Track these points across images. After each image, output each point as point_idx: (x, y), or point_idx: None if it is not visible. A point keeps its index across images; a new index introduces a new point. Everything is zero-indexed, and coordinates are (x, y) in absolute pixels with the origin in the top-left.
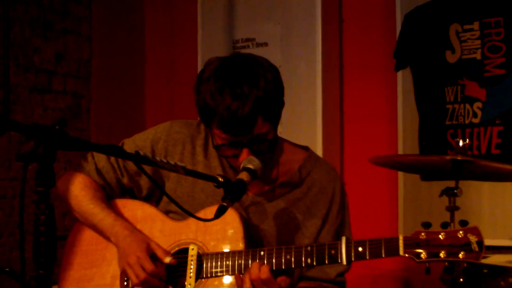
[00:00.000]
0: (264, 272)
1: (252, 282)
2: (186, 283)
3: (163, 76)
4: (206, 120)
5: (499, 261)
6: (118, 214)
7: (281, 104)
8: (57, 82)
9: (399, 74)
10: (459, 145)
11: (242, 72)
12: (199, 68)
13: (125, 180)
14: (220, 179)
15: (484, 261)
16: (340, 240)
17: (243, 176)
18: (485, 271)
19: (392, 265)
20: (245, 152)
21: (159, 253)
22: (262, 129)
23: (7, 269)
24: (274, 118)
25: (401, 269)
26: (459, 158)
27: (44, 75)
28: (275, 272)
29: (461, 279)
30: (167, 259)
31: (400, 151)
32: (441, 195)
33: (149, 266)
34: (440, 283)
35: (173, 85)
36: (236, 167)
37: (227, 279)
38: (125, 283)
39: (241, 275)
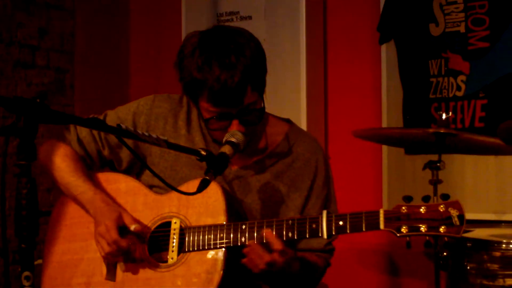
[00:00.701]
0: (278, 244)
1: (267, 264)
2: (168, 257)
3: (147, 51)
4: (193, 95)
5: (482, 234)
6: (101, 187)
7: (265, 71)
8: (40, 57)
9: (383, 47)
10: (442, 118)
11: (226, 42)
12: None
13: (106, 152)
14: (203, 153)
15: (467, 235)
16: (321, 214)
17: (226, 149)
18: (468, 244)
19: (375, 239)
20: (235, 123)
21: (127, 220)
22: (251, 98)
23: None
24: (261, 86)
25: (385, 244)
26: (442, 131)
27: (27, 50)
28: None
29: (445, 253)
30: (133, 226)
31: (384, 125)
32: (424, 168)
33: (113, 234)
34: (424, 257)
35: (157, 59)
36: (221, 141)
37: (209, 253)
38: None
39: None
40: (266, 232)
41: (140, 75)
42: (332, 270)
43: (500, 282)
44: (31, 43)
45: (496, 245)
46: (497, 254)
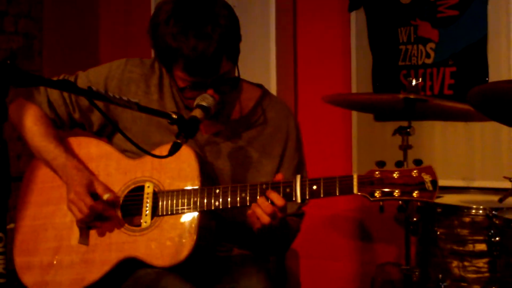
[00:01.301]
0: (280, 200)
1: (269, 215)
2: (141, 221)
3: (117, 15)
4: (167, 63)
5: (452, 200)
6: (72, 152)
7: (240, 40)
8: (8, 23)
9: (353, 14)
10: (411, 84)
11: (201, 11)
12: (153, 4)
13: (76, 115)
14: (174, 116)
15: (437, 200)
16: (295, 178)
17: (197, 113)
18: (438, 210)
19: (346, 206)
20: (209, 92)
21: (99, 189)
22: (226, 67)
23: None
24: (236, 55)
25: (355, 210)
26: (412, 96)
27: None
28: None
29: (415, 218)
30: (105, 196)
31: (354, 91)
32: (394, 134)
33: (87, 199)
34: (394, 223)
35: (127, 24)
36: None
37: (183, 217)
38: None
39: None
40: (269, 191)
41: (109, 41)
42: (303, 236)
43: (470, 247)
44: None
45: (465, 210)
46: (467, 219)
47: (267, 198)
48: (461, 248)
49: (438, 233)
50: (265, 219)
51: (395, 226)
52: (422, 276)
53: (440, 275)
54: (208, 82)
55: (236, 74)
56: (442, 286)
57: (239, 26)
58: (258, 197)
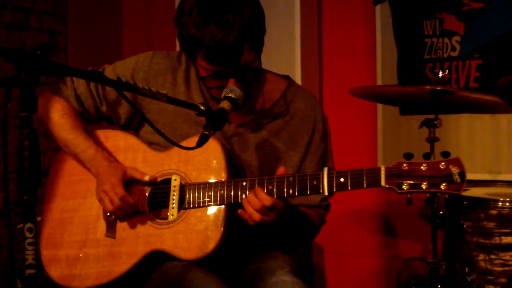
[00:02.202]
0: (266, 199)
1: (259, 212)
2: (168, 214)
3: (140, 10)
4: (190, 52)
5: (478, 193)
6: (100, 145)
7: (263, 31)
8: (34, 20)
9: (378, 7)
10: (438, 76)
11: (224, 1)
12: (177, 1)
13: (103, 108)
14: (202, 108)
15: (463, 193)
16: (322, 170)
17: (224, 105)
18: (465, 203)
19: (371, 201)
20: (231, 82)
21: (137, 175)
22: (248, 58)
23: None
24: (258, 45)
25: (381, 205)
26: (439, 88)
27: (20, 13)
28: None
29: (441, 212)
30: (146, 177)
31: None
32: (420, 126)
33: (119, 191)
34: (419, 217)
35: (151, 19)
36: (220, 99)
37: (210, 210)
38: (108, 213)
39: (245, 210)
40: (256, 189)
41: (133, 36)
42: (327, 231)
43: (497, 240)
44: (24, 5)
45: (492, 203)
46: (494, 212)
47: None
48: (487, 241)
49: (465, 226)
50: (255, 215)
51: (420, 221)
52: (448, 270)
53: (467, 269)
54: (230, 71)
55: (259, 65)
56: (469, 280)
57: (263, 17)
58: (247, 194)
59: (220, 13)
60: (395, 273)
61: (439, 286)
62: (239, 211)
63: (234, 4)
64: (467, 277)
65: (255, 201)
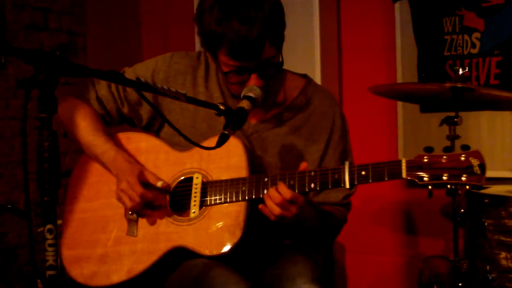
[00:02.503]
0: (287, 193)
1: (279, 206)
2: (190, 211)
3: (158, 11)
4: (212, 48)
5: (499, 190)
6: (122, 147)
7: (284, 26)
8: (52, 20)
9: (397, 5)
10: (458, 73)
11: None
12: (195, 1)
13: (125, 109)
14: (222, 107)
15: (484, 191)
16: (343, 164)
17: (244, 104)
18: (486, 201)
19: (391, 198)
20: (253, 77)
21: (151, 178)
22: (270, 53)
23: (9, 206)
24: (279, 41)
25: (401, 203)
26: (459, 85)
27: (39, 13)
28: None
29: (462, 210)
30: (159, 183)
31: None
32: (441, 124)
33: (138, 188)
34: (440, 215)
35: (169, 19)
36: (239, 96)
37: (231, 206)
38: (130, 212)
39: (265, 205)
40: (278, 183)
41: (152, 37)
42: (348, 230)
43: None
44: (43, 5)
45: None
46: None
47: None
48: (509, 239)
49: (486, 224)
50: (276, 209)
51: (441, 219)
52: (470, 268)
53: (488, 267)
54: (251, 66)
55: (281, 60)
56: (490, 278)
57: (283, 13)
58: (269, 189)
59: (242, 9)
60: (417, 271)
61: (460, 284)
62: (260, 206)
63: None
64: (488, 275)
65: (276, 195)
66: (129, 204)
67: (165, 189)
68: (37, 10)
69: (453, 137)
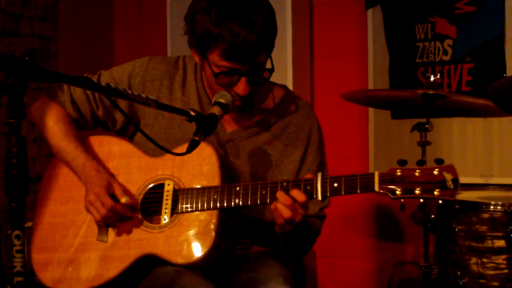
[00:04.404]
0: (301, 195)
1: (290, 208)
2: (161, 218)
3: (132, 16)
4: (203, 48)
5: (470, 196)
6: (93, 151)
7: (276, 33)
8: (24, 25)
9: (369, 12)
10: (430, 80)
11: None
12: (168, 6)
13: (100, 112)
14: (192, 113)
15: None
16: (316, 176)
17: (215, 110)
18: (457, 207)
19: (363, 204)
20: (243, 80)
21: (118, 192)
22: (262, 58)
23: None
24: (272, 47)
25: (373, 209)
26: (431, 92)
27: (11, 19)
28: None
29: (433, 216)
30: (123, 199)
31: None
32: (412, 130)
33: (107, 201)
34: (411, 221)
35: (142, 24)
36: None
37: (202, 215)
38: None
39: (276, 206)
40: (291, 190)
41: (125, 41)
42: (320, 235)
43: (489, 243)
44: (15, 11)
45: (484, 206)
46: (486, 216)
47: (287, 193)
48: (479, 245)
49: (457, 230)
50: (286, 212)
51: (412, 224)
52: (440, 274)
53: (459, 272)
54: (244, 69)
55: (271, 66)
56: (461, 283)
57: (275, 19)
58: (277, 192)
59: (243, 12)
60: (387, 276)
61: None
62: (272, 207)
63: (255, 3)
64: (459, 280)
65: (285, 197)
66: (96, 216)
67: (131, 206)
68: (8, 16)
69: (424, 143)
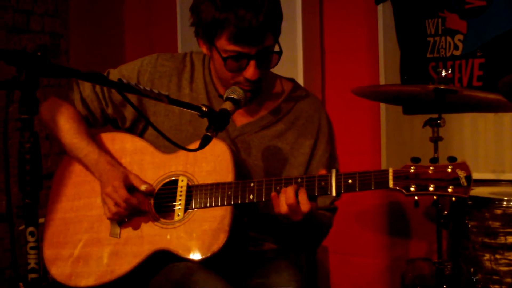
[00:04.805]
0: (306, 205)
1: (289, 207)
2: (175, 214)
3: (141, 12)
4: (211, 35)
5: (483, 192)
6: (106, 147)
7: (282, 17)
8: (35, 22)
9: (380, 7)
10: (441, 75)
11: None
12: (178, 3)
13: (109, 110)
14: (204, 109)
15: None
16: (330, 172)
17: (227, 105)
18: (469, 203)
19: (376, 201)
20: (252, 64)
21: (136, 182)
22: (269, 42)
23: None
24: (279, 31)
25: (385, 205)
26: (442, 87)
27: (21, 15)
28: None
29: (446, 212)
30: (143, 187)
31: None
32: (424, 125)
33: (123, 193)
34: (424, 218)
35: (152, 20)
36: (239, 83)
37: (216, 211)
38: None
39: (278, 195)
40: (302, 192)
41: (135, 38)
42: (332, 231)
43: (502, 239)
44: (25, 7)
45: (497, 202)
46: (498, 211)
47: (296, 194)
48: (492, 241)
49: (470, 226)
50: (283, 208)
51: (424, 221)
52: (453, 270)
53: (472, 269)
54: (252, 53)
55: (280, 49)
56: (474, 280)
57: (280, 2)
58: (288, 187)
59: None
60: (400, 273)
61: (444, 286)
62: (273, 194)
63: None
64: (472, 277)
65: (291, 196)
66: (114, 209)
67: (149, 193)
68: (19, 12)
69: (435, 139)
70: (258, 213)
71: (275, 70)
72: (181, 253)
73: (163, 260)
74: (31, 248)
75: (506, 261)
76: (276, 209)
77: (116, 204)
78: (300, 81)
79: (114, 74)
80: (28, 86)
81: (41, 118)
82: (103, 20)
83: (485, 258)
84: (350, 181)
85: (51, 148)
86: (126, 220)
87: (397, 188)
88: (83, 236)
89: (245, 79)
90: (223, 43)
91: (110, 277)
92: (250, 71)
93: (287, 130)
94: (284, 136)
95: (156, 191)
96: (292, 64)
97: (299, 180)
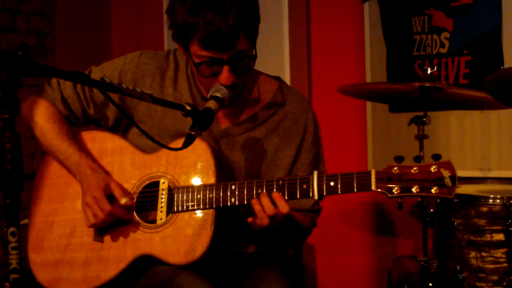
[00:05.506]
0: (285, 207)
1: (269, 218)
2: (157, 218)
3: (129, 11)
4: (184, 40)
5: (469, 190)
6: (86, 147)
7: (258, 19)
8: (21, 21)
9: (366, 5)
10: (427, 72)
11: None
12: (165, 3)
13: (91, 111)
14: (188, 107)
15: None
16: (312, 174)
17: (211, 104)
18: (455, 200)
19: (362, 200)
20: (225, 69)
21: (117, 193)
22: (243, 45)
23: None
24: (253, 34)
25: (371, 204)
26: (427, 85)
27: (7, 14)
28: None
29: (431, 210)
30: (123, 200)
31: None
32: (409, 123)
33: (104, 205)
34: (410, 216)
35: (139, 19)
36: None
37: (198, 213)
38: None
39: (254, 216)
40: (274, 194)
41: (122, 37)
42: (318, 231)
43: (488, 237)
44: (11, 7)
45: (483, 200)
46: (484, 209)
47: (271, 200)
48: (478, 239)
49: (455, 223)
50: (265, 220)
51: (411, 219)
52: (439, 268)
53: (458, 266)
54: (224, 58)
55: (254, 53)
56: (460, 277)
57: (258, 5)
58: (261, 198)
59: None
60: (387, 271)
61: (430, 284)
62: (250, 219)
63: None
64: (458, 275)
65: (270, 206)
66: (92, 220)
67: (128, 207)
68: (4, 11)
69: (421, 137)
70: (242, 216)
71: (262, 66)
72: (165, 258)
73: (148, 264)
74: (13, 248)
75: (492, 258)
76: (256, 226)
77: (95, 216)
78: (287, 79)
79: (96, 73)
80: (9, 85)
81: (22, 117)
82: (90, 19)
83: (471, 255)
84: (332, 183)
85: (38, 147)
86: (109, 225)
87: (379, 190)
88: (67, 240)
89: (221, 84)
90: (195, 48)
91: (96, 282)
92: (224, 77)
93: (273, 131)
94: (269, 137)
95: (136, 195)
96: (278, 62)
97: (280, 182)
